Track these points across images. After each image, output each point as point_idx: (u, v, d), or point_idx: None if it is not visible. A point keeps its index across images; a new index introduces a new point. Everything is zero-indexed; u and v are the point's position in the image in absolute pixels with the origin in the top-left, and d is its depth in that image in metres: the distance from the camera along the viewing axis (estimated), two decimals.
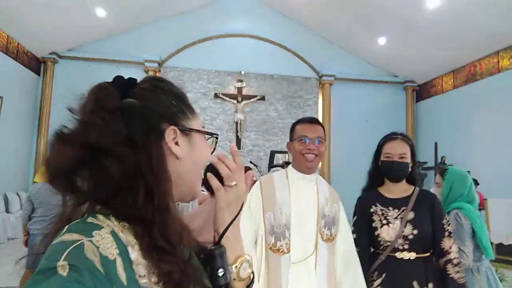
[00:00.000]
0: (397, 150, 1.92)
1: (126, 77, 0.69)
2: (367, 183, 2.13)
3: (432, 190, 6.98)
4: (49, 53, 9.54)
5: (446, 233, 1.86)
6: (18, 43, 8.52)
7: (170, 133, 0.67)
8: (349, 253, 1.76)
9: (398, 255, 1.84)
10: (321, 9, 9.59)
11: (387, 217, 1.90)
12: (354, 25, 9.63)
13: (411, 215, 1.87)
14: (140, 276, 0.56)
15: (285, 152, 10.02)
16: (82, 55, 9.80)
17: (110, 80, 0.67)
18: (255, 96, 10.31)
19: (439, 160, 9.40)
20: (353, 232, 1.98)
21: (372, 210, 1.96)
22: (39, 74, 9.60)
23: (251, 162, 7.86)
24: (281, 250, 1.59)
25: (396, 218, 1.89)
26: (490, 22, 7.52)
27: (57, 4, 7.70)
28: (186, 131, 0.70)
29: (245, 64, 10.34)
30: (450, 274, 1.81)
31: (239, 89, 10.29)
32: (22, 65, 8.80)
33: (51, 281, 0.47)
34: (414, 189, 1.97)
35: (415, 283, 1.79)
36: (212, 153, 0.76)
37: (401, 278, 1.82)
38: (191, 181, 0.71)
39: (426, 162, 9.99)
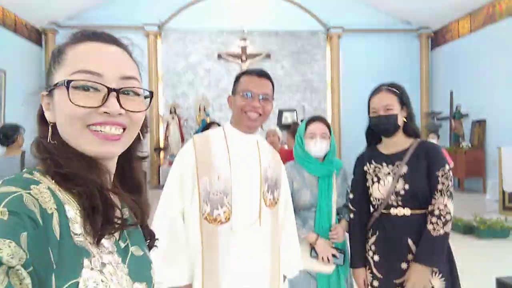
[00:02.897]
0: (381, 102, 1.76)
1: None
2: (367, 144, 2.00)
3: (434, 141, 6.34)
4: (48, 23, 9.41)
5: (439, 186, 1.69)
6: (15, 15, 8.40)
7: (43, 100, 0.65)
8: (286, 219, 1.70)
9: (393, 211, 1.74)
10: None
11: (378, 174, 1.80)
12: None
13: (404, 169, 1.74)
14: (75, 234, 0.56)
15: (293, 111, 9.82)
16: (82, 23, 9.60)
17: None
18: (259, 55, 9.98)
19: (454, 110, 9.02)
20: (350, 192, 1.95)
21: (365, 168, 1.86)
22: (41, 46, 9.55)
23: None
24: (218, 220, 1.42)
25: (388, 174, 1.77)
26: None
27: None
28: (48, 91, 0.65)
29: (248, 22, 9.90)
30: (426, 224, 1.68)
31: (243, 48, 9.96)
32: (22, 37, 8.74)
33: None
34: (413, 142, 1.80)
35: (409, 241, 1.69)
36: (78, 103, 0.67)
37: (394, 235, 1.73)
38: (74, 141, 0.63)
39: (441, 112, 9.62)
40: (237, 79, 1.54)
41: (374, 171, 1.82)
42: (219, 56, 9.97)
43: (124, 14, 9.69)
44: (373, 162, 1.84)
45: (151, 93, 0.71)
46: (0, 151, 3.55)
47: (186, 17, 9.94)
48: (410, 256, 1.69)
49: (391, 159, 1.79)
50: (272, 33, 10.16)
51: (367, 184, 1.85)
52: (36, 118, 0.67)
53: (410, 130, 1.80)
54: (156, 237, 0.82)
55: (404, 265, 1.69)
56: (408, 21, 10.52)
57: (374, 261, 1.78)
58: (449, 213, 1.66)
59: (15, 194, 0.51)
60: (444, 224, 1.64)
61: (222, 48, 10.04)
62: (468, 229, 5.25)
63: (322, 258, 1.92)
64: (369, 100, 1.85)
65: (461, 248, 4.65)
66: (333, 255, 1.94)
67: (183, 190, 1.44)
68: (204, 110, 9.74)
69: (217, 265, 1.41)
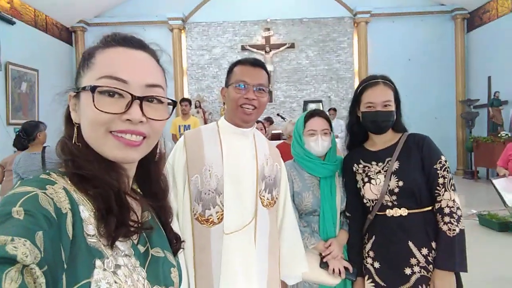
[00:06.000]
0: (380, 98, 1.63)
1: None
2: (348, 140, 1.86)
3: None
4: (78, 22, 9.71)
5: (440, 179, 1.57)
6: (45, 15, 8.72)
7: (71, 101, 0.66)
8: (285, 220, 1.58)
9: (388, 212, 1.62)
10: None
11: (368, 174, 1.68)
12: None
13: (395, 165, 1.62)
14: (88, 235, 0.57)
15: (319, 101, 9.60)
16: (109, 21, 9.85)
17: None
18: (284, 45, 9.80)
19: (492, 96, 8.44)
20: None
21: (354, 169, 1.75)
22: (71, 44, 9.88)
23: (278, 114, 7.62)
24: (210, 220, 1.32)
25: (379, 172, 1.65)
26: None
27: None
28: (75, 93, 0.66)
29: (271, 11, 9.75)
30: (439, 225, 1.55)
31: (267, 39, 9.82)
32: (53, 37, 9.07)
33: (6, 225, 0.47)
34: (402, 136, 1.69)
35: (410, 244, 1.57)
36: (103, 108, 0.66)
37: (393, 238, 1.60)
38: (96, 145, 0.64)
39: (477, 100, 9.04)
40: (231, 69, 1.42)
41: (364, 170, 1.70)
42: (243, 48, 9.89)
43: (149, 10, 9.83)
44: (361, 161, 1.72)
45: (174, 102, 0.71)
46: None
47: (209, 9, 9.92)
48: (413, 260, 1.57)
49: (380, 156, 1.68)
50: (296, 21, 9.93)
51: (358, 186, 1.73)
52: (63, 118, 0.69)
53: (399, 125, 1.71)
54: (182, 239, 0.82)
55: (408, 271, 1.57)
56: (441, 2, 9.91)
57: (374, 268, 1.66)
58: (459, 208, 1.55)
59: (31, 194, 0.52)
60: (458, 221, 1.53)
61: (246, 39, 9.95)
62: (504, 226, 4.92)
63: (333, 270, 1.72)
64: (361, 92, 1.70)
65: (496, 247, 4.38)
66: (346, 268, 1.74)
67: (176, 189, 1.37)
68: None
69: (210, 269, 1.32)
